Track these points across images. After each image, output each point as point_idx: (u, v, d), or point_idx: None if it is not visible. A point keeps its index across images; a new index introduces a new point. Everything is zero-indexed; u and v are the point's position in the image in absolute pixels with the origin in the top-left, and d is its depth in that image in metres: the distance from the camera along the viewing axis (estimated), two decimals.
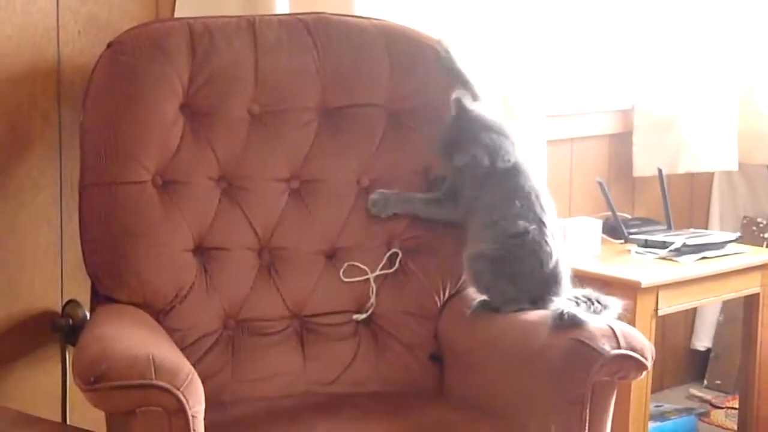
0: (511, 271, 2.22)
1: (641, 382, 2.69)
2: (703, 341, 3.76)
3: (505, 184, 2.28)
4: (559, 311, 2.07)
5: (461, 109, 2.30)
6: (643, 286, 2.75)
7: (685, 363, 3.76)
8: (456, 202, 2.32)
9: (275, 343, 2.29)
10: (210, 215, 2.29)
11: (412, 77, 2.41)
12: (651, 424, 2.93)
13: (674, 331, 3.69)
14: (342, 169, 2.37)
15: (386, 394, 2.29)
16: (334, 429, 2.08)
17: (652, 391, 2.97)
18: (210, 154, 2.30)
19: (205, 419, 1.85)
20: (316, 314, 2.32)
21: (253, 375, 2.25)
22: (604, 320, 2.10)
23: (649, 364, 2.08)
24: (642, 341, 2.07)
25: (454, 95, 2.32)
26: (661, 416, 3.21)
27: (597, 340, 2.03)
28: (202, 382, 1.87)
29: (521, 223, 2.23)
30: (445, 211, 2.34)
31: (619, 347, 2.03)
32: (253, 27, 2.34)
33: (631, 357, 2.04)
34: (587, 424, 2.05)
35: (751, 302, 3.15)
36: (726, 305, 3.65)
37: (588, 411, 2.05)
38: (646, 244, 3.03)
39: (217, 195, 2.30)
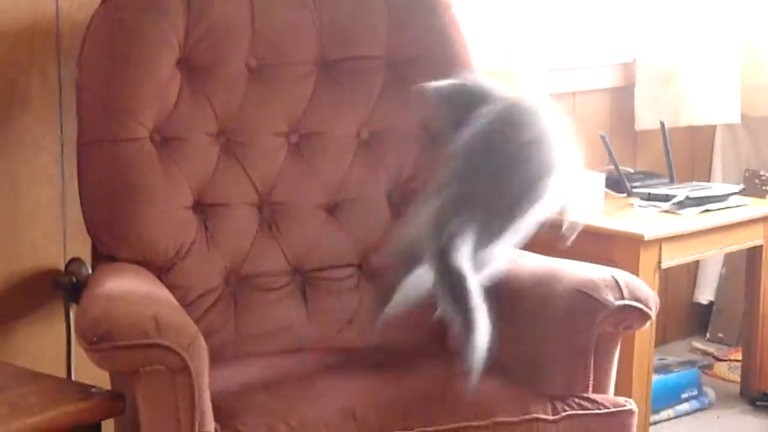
0: None
1: (644, 335, 2.69)
2: (705, 294, 3.76)
3: None
4: None
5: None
6: (646, 239, 2.75)
7: (687, 316, 3.76)
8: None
9: (277, 299, 2.28)
10: (209, 171, 2.27)
11: (410, 27, 2.38)
12: (654, 377, 2.93)
13: (677, 284, 3.69)
14: (341, 122, 2.35)
15: (390, 348, 2.28)
16: (338, 386, 2.07)
17: (656, 345, 2.97)
18: (208, 110, 2.28)
19: (208, 376, 1.85)
20: (318, 268, 2.31)
21: (255, 331, 2.25)
22: (607, 271, 2.09)
23: (653, 314, 2.08)
24: (646, 291, 2.07)
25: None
26: (664, 369, 3.21)
27: (601, 291, 2.03)
28: (205, 339, 1.86)
29: None
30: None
31: (622, 298, 2.03)
32: None
33: (635, 307, 2.04)
34: (592, 375, 2.05)
35: (753, 255, 3.15)
36: (728, 258, 3.64)
37: (593, 361, 2.05)
38: (649, 198, 3.02)
39: (215, 151, 2.28)
